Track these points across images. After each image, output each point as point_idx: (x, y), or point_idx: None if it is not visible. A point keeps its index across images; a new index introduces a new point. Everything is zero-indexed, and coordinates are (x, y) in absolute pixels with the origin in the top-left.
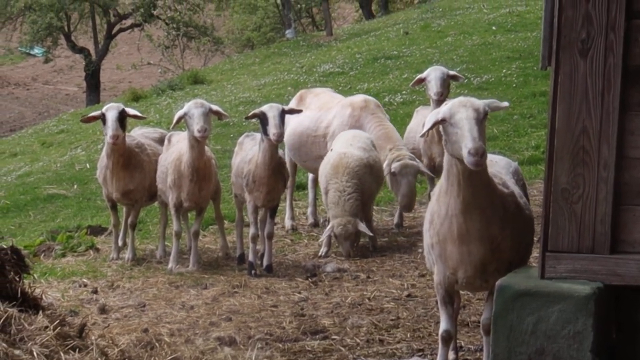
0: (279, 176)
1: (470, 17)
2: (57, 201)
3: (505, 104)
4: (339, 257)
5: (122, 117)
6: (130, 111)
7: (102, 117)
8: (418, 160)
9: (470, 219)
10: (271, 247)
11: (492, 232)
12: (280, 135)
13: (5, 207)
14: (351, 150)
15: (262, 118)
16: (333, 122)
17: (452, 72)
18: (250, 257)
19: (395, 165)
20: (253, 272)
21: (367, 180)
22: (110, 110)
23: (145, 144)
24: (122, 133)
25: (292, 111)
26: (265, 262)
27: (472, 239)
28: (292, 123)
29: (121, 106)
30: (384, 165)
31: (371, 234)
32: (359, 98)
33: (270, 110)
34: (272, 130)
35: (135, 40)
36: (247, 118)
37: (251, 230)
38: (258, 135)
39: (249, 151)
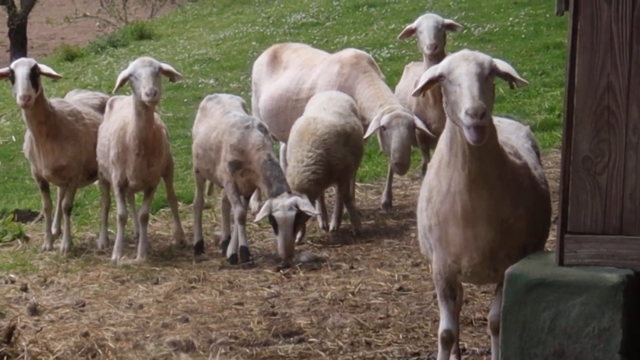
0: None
1: None
2: None
3: (525, 81)
4: (316, 244)
5: (34, 75)
6: (44, 68)
7: (11, 75)
8: (414, 115)
9: (478, 196)
10: (243, 232)
11: (503, 211)
12: (289, 256)
13: None
14: (323, 115)
15: (274, 226)
16: (318, 81)
17: (447, 21)
18: (242, 242)
19: (384, 118)
20: (250, 258)
21: (338, 151)
22: (20, 67)
23: (82, 112)
24: (34, 93)
25: (308, 215)
26: (230, 251)
27: (479, 219)
28: (270, 85)
29: (33, 61)
30: (373, 121)
31: (316, 213)
32: (348, 53)
33: (283, 225)
34: (281, 251)
35: None
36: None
37: (238, 210)
38: (224, 98)
39: (248, 143)
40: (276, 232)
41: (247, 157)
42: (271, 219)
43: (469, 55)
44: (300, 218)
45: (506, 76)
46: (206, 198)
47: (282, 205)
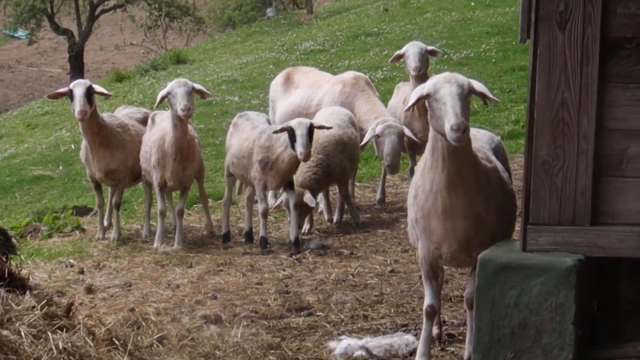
0: (296, 166)
1: None
2: (43, 182)
3: (496, 99)
4: (323, 234)
5: (90, 93)
6: (97, 88)
7: (70, 94)
8: (403, 126)
9: (455, 194)
10: (297, 220)
11: (477, 207)
12: (307, 155)
13: None
14: None
15: (290, 133)
16: (324, 99)
17: (430, 47)
18: (262, 233)
19: (378, 128)
20: (267, 246)
21: (336, 156)
22: (78, 86)
23: (128, 124)
24: (89, 109)
25: (322, 127)
26: (292, 235)
27: (456, 214)
28: (284, 102)
29: (88, 82)
30: (369, 130)
31: (313, 205)
32: (349, 75)
33: (299, 127)
34: (299, 149)
35: (118, 21)
36: (275, 132)
37: (262, 206)
38: (252, 115)
39: (272, 139)
40: (293, 145)
41: (273, 150)
42: (290, 133)
43: (451, 77)
44: (312, 133)
45: (481, 95)
46: (235, 196)
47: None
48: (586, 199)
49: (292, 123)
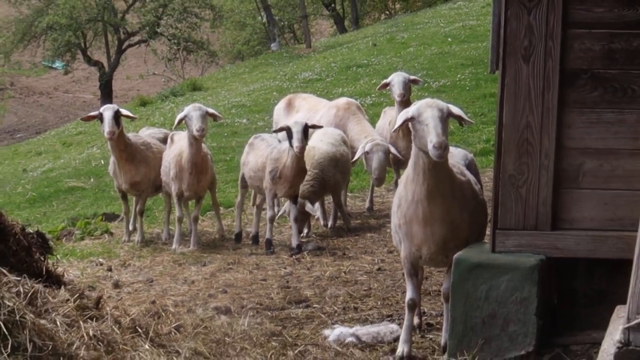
0: (301, 174)
1: (429, 30)
2: (77, 192)
3: (471, 121)
4: (319, 237)
5: (117, 116)
6: (124, 111)
7: (100, 117)
8: (389, 144)
9: (434, 203)
10: (297, 229)
11: (453, 214)
12: (302, 149)
13: (32, 199)
14: (319, 144)
15: (288, 131)
16: (320, 121)
17: (412, 77)
18: (268, 235)
19: (367, 145)
20: (271, 248)
21: (329, 171)
22: (107, 110)
23: (151, 143)
24: (117, 129)
25: (315, 126)
26: (294, 243)
27: (435, 220)
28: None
29: (116, 107)
30: (359, 148)
31: (314, 214)
32: (342, 101)
33: (295, 125)
34: (295, 143)
35: (142, 54)
36: (274, 131)
37: (269, 213)
38: (266, 136)
39: (280, 151)
40: (291, 142)
41: (280, 161)
42: (288, 132)
43: (432, 102)
44: (307, 131)
45: (458, 117)
46: (246, 205)
47: None
48: (547, 208)
49: (290, 123)
